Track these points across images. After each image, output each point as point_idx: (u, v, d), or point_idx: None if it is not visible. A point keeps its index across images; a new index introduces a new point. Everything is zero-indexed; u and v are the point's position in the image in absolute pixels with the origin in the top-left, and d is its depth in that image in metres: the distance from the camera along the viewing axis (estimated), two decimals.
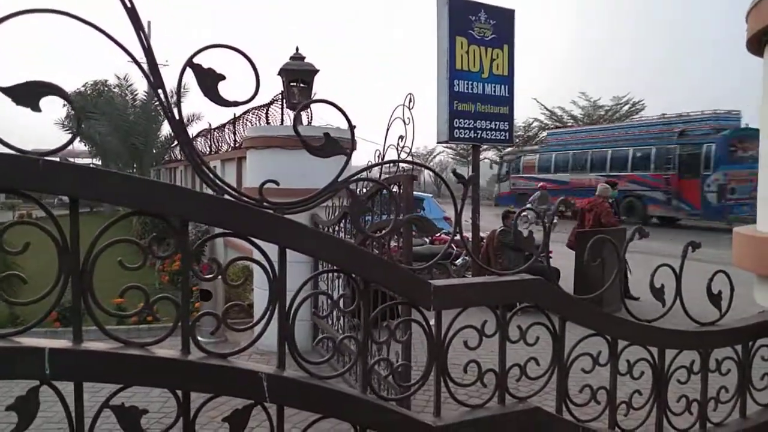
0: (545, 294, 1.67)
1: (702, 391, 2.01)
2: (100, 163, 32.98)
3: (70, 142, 1.24)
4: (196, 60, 1.26)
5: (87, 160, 36.39)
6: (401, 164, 4.91)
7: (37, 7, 1.19)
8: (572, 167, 25.83)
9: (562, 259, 9.37)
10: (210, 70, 1.27)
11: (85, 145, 30.29)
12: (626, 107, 35.38)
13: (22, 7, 1.18)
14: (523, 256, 8.02)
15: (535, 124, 38.74)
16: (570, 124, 36.73)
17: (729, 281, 1.97)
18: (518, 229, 1.81)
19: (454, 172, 1.60)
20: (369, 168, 1.57)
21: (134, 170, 25.96)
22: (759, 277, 1.87)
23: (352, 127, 1.40)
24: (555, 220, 9.12)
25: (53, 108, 1.21)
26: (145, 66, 1.26)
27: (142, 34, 1.23)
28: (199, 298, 6.93)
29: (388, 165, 4.95)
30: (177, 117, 1.28)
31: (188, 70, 1.26)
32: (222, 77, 1.28)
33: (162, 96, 1.25)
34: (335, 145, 1.39)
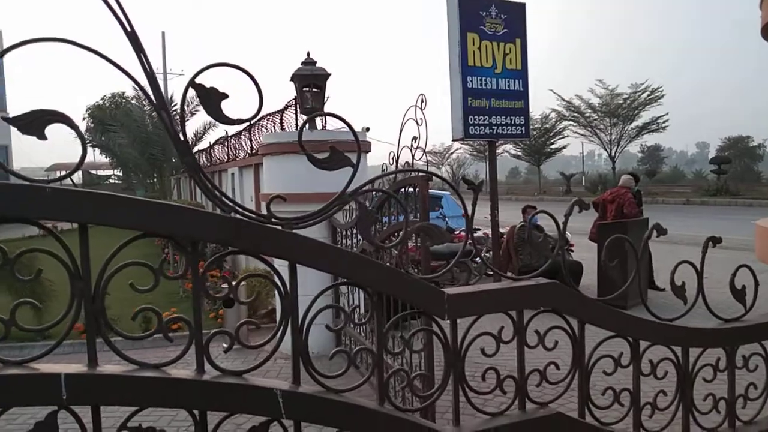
0: (562, 297, 1.64)
1: (729, 389, 1.97)
2: (120, 173, 33.49)
3: (66, 176, 1.25)
4: (198, 80, 1.26)
5: (108, 172, 36.97)
6: (417, 164, 4.90)
7: (48, 36, 1.21)
8: None
9: (586, 252, 9.28)
10: (213, 89, 1.26)
11: (105, 157, 30.73)
12: (645, 95, 34.77)
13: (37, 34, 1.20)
14: (545, 245, 7.92)
15: (553, 115, 38.32)
16: (587, 113, 36.31)
17: (753, 275, 1.92)
18: (532, 232, 1.78)
19: (463, 179, 1.58)
20: (377, 179, 1.56)
21: (155, 180, 26.23)
22: None
23: (358, 141, 1.38)
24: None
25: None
26: (149, 89, 1.26)
27: (143, 57, 1.23)
28: (223, 305, 6.98)
29: (403, 166, 4.93)
30: (182, 138, 1.28)
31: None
32: (225, 96, 1.27)
33: (165, 118, 1.25)
34: (341, 157, 1.38)
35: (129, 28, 1.21)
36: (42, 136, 1.19)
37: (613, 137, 36.30)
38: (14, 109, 25.74)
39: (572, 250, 9.28)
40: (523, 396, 1.64)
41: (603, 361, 1.78)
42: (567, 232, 1.75)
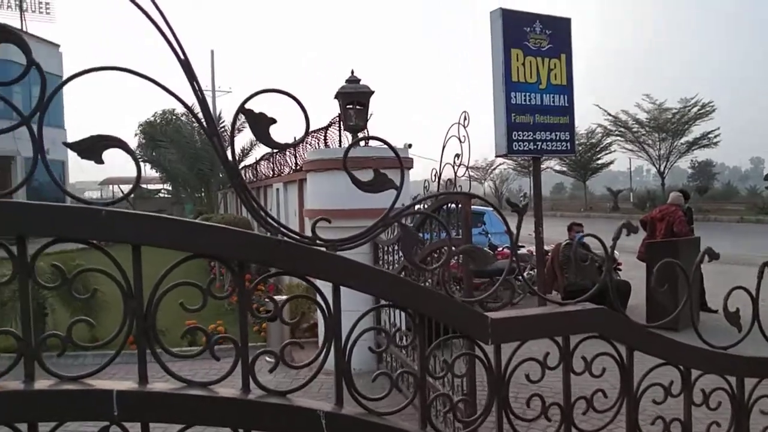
0: (610, 324, 1.60)
1: None
2: (170, 188, 34.43)
3: (121, 199, 1.31)
4: (248, 105, 1.30)
5: (158, 186, 38.06)
6: (459, 181, 4.89)
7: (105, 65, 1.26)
8: None
9: (634, 270, 9.03)
10: (261, 115, 1.30)
11: (156, 172, 31.66)
12: (695, 109, 33.79)
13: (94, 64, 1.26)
14: (592, 268, 7.75)
15: (599, 130, 37.59)
16: (635, 128, 35.52)
17: None
18: (579, 252, 1.75)
19: (507, 200, 1.57)
20: (420, 201, 1.56)
21: (202, 194, 26.88)
22: None
23: (401, 162, 1.39)
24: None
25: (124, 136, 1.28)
26: (200, 114, 1.31)
27: (196, 85, 1.28)
28: (267, 320, 7.07)
29: (445, 183, 4.93)
30: (231, 161, 1.31)
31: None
32: (273, 121, 1.31)
33: (216, 143, 1.28)
34: (385, 180, 1.39)
35: (183, 57, 1.26)
36: (99, 161, 1.24)
37: (662, 152, 35.39)
38: (69, 126, 26.82)
39: (620, 269, 9.05)
40: (569, 424, 1.60)
41: (652, 389, 1.72)
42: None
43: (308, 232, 1.41)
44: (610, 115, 35.87)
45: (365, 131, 6.87)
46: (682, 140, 34.88)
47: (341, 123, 7.99)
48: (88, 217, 1.21)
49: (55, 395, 1.21)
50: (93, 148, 1.22)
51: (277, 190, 12.98)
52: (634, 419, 1.68)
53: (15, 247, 1.22)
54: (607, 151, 39.04)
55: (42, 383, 1.23)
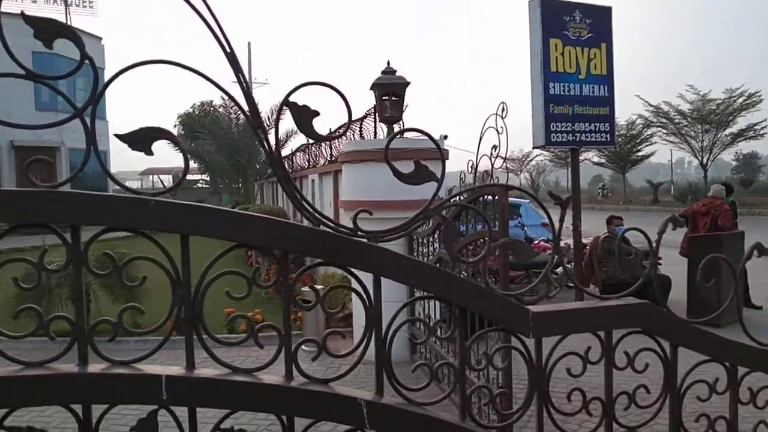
0: (653, 319, 1.58)
1: None
2: (208, 178, 35.01)
3: (169, 190, 1.34)
4: (292, 98, 1.31)
5: (196, 177, 38.74)
6: (496, 173, 4.85)
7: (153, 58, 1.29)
8: None
9: (673, 265, 8.81)
10: (305, 107, 1.31)
11: (194, 163, 32.24)
12: (740, 100, 32.61)
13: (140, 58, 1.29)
14: (633, 262, 7.59)
15: (639, 121, 36.65)
16: (677, 119, 34.53)
17: None
18: (622, 245, 1.72)
19: (550, 193, 1.56)
20: (458, 194, 1.56)
21: (239, 185, 27.26)
22: None
23: (443, 154, 1.39)
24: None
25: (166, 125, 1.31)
26: (244, 105, 1.33)
27: (241, 77, 1.30)
28: (308, 309, 7.17)
29: (482, 174, 4.89)
30: (275, 153, 1.33)
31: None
32: (316, 113, 1.32)
33: (261, 135, 1.30)
34: (426, 172, 1.39)
35: (229, 50, 1.28)
36: (149, 152, 1.27)
37: (705, 144, 34.32)
38: (112, 117, 27.45)
39: (660, 263, 8.84)
40: (610, 420, 1.59)
41: (696, 386, 1.69)
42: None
43: (343, 223, 1.42)
44: (651, 105, 34.95)
45: (401, 122, 6.86)
46: (727, 132, 33.76)
47: (377, 114, 8.00)
48: (138, 207, 1.25)
49: (107, 379, 1.25)
50: (143, 140, 1.26)
51: (313, 181, 13.07)
52: (677, 416, 1.65)
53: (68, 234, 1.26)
54: (648, 143, 38.07)
55: (94, 367, 1.27)
